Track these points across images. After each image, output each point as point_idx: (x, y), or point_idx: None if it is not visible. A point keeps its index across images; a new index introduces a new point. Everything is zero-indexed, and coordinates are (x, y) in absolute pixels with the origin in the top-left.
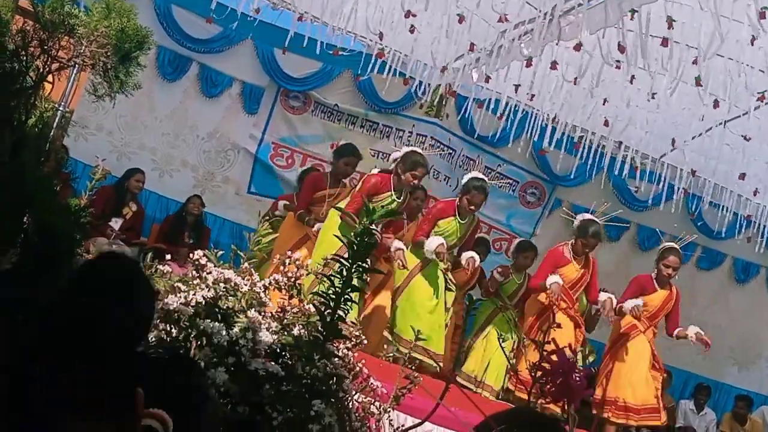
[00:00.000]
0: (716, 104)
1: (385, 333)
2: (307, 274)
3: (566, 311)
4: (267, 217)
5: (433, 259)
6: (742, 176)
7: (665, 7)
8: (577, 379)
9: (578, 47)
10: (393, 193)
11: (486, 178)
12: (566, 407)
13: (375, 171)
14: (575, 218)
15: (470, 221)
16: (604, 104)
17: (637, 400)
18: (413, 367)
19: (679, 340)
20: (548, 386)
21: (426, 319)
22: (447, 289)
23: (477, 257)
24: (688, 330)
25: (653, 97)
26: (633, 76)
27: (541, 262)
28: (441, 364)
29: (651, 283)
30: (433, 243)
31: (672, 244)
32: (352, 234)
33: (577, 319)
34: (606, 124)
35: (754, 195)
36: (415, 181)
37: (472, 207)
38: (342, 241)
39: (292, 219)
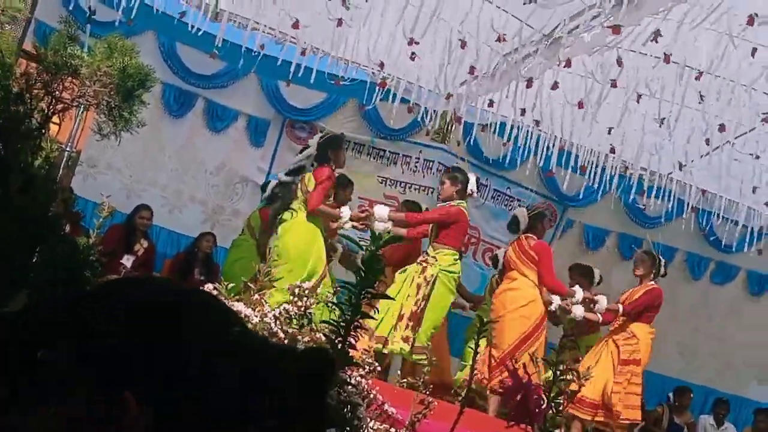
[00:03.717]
0: (722, 128)
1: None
2: (317, 303)
3: None
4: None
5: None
6: (754, 189)
7: (657, 24)
8: (536, 398)
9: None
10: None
11: None
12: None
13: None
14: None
15: None
16: (609, 133)
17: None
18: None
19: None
20: (509, 406)
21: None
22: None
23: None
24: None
25: (662, 123)
26: (639, 96)
27: (542, 257)
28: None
29: None
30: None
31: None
32: (359, 261)
33: None
34: (612, 151)
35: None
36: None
37: None
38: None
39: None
